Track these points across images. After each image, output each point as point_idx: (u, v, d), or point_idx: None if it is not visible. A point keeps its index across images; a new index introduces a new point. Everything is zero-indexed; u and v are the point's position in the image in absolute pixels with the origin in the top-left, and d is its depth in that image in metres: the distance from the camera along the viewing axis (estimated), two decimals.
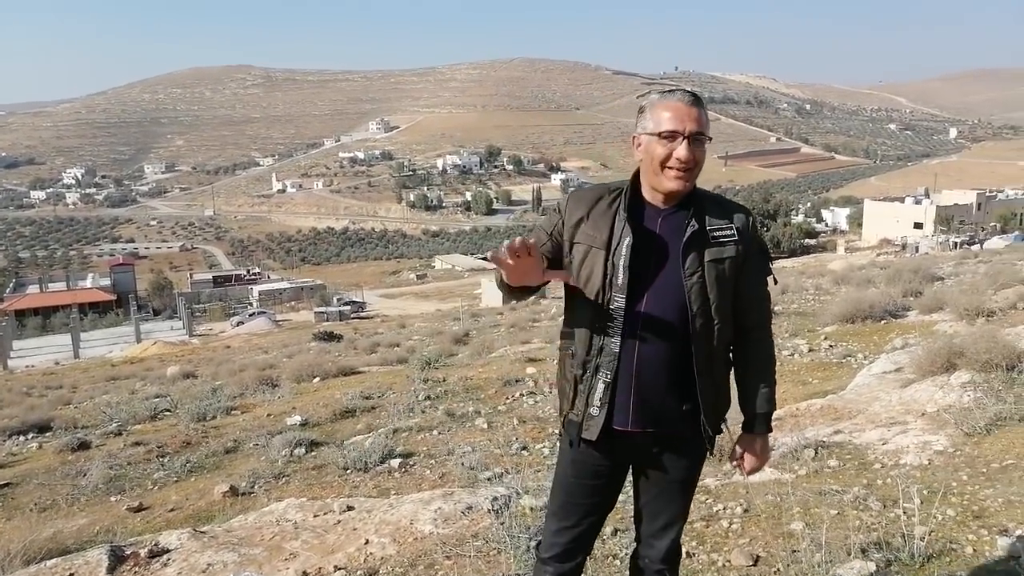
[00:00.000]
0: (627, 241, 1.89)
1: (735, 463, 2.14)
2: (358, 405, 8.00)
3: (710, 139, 1.90)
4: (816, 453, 4.20)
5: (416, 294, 56.20)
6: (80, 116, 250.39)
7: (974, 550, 2.86)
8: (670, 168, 1.87)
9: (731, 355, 2.04)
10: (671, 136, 1.85)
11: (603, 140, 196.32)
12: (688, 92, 1.90)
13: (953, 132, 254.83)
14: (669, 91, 1.92)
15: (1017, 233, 41.88)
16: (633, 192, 1.96)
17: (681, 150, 1.84)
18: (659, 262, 1.91)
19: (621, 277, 1.90)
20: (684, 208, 1.93)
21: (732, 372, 2.06)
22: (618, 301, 1.91)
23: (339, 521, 3.77)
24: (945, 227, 52.94)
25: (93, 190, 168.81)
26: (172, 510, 5.18)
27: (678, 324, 1.90)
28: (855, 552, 2.85)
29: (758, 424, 2.07)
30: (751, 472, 2.11)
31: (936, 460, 3.87)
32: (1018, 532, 2.91)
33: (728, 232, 1.92)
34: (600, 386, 1.94)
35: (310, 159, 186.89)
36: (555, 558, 2.10)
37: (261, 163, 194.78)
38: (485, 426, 6.41)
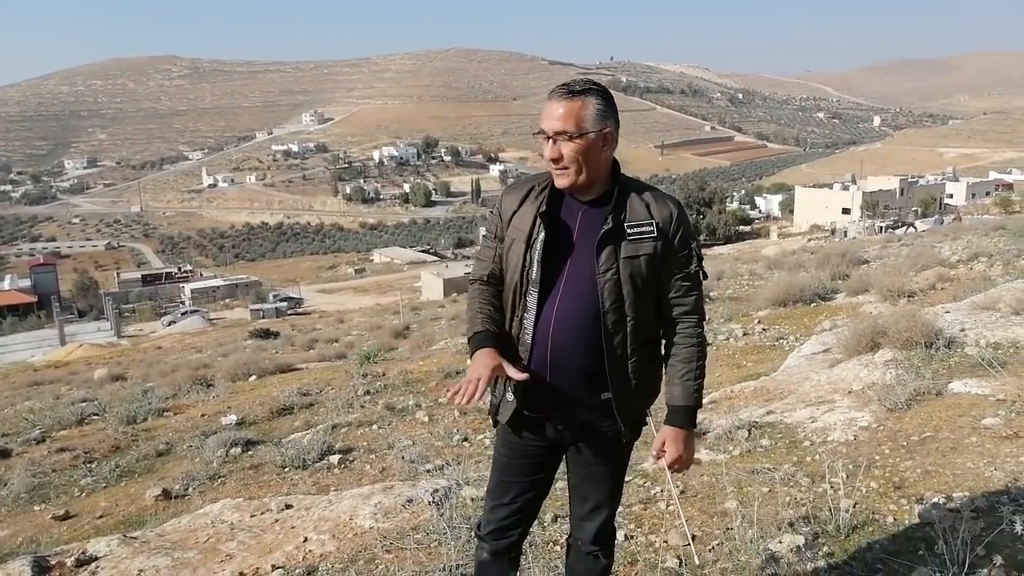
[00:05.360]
0: (541, 236, 1.92)
1: (655, 455, 2.04)
2: (296, 402, 7.85)
3: (591, 132, 1.82)
4: (749, 433, 4.33)
5: (354, 289, 55.50)
6: None
7: (895, 519, 2.99)
8: (550, 166, 1.89)
9: (662, 346, 2.05)
10: (544, 135, 1.87)
11: None
12: (568, 86, 1.86)
13: (877, 120, 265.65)
14: (560, 85, 1.88)
15: (936, 217, 43.84)
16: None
17: (545, 149, 1.86)
18: (575, 257, 1.92)
19: (535, 270, 1.92)
20: (605, 202, 1.91)
21: (663, 362, 2.05)
22: (532, 293, 1.94)
23: (277, 520, 3.71)
24: (871, 212, 55.04)
25: (9, 187, 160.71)
26: (101, 517, 4.99)
27: (591, 319, 1.90)
28: (785, 527, 2.95)
29: (676, 417, 2.00)
30: (673, 467, 2.02)
31: (861, 436, 4.02)
32: (934, 500, 3.06)
33: (647, 229, 1.89)
34: None
35: (242, 152, 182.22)
36: (491, 534, 2.15)
37: (190, 157, 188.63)
38: (426, 419, 6.39)
